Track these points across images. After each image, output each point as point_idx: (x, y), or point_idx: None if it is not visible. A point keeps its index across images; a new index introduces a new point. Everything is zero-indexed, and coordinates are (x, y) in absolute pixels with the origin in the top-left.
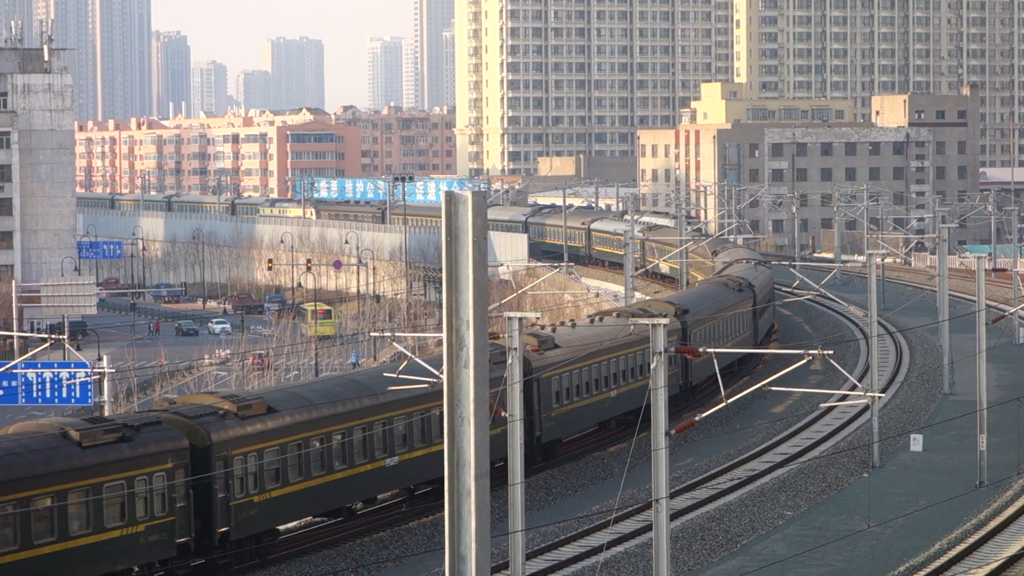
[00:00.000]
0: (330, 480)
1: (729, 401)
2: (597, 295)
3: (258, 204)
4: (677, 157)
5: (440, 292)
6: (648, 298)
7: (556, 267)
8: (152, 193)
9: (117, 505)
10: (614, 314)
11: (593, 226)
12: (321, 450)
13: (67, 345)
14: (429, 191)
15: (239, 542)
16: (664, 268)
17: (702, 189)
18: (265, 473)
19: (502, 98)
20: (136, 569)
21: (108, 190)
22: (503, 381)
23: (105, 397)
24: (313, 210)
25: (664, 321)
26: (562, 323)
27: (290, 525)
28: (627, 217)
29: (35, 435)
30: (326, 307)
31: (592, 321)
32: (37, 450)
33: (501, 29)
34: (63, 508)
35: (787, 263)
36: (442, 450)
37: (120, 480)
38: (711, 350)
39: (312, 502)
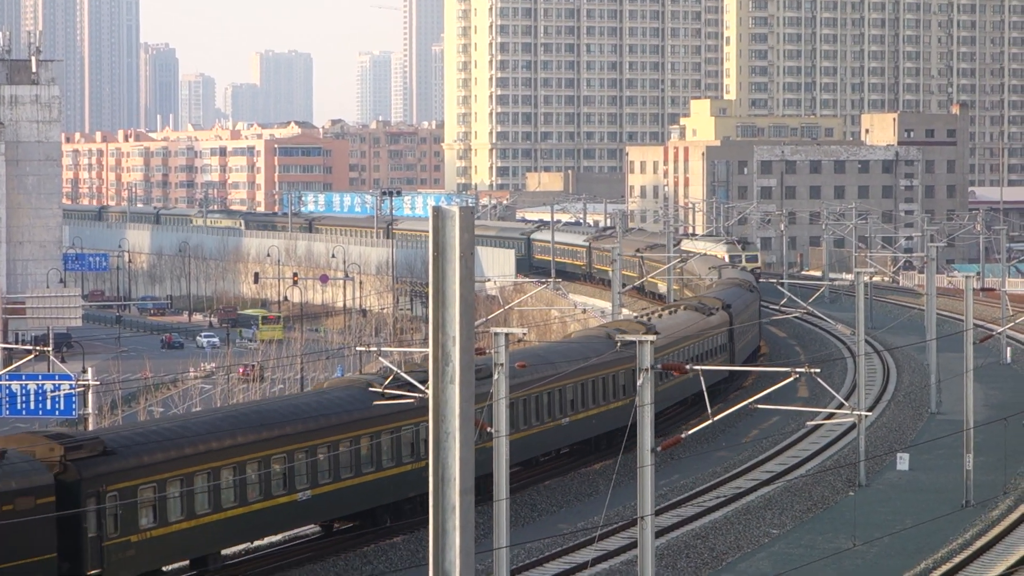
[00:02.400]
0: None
1: (715, 418)
2: (584, 311)
3: (188, 215)
4: (666, 174)
5: (427, 307)
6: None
7: (543, 283)
8: (139, 206)
9: None
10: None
11: (595, 244)
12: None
13: (52, 357)
14: (417, 206)
15: None
16: (662, 287)
17: (690, 206)
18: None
19: (491, 113)
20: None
21: (95, 202)
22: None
23: (90, 409)
24: (242, 221)
25: (651, 338)
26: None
27: (274, 539)
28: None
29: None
30: (275, 314)
31: None
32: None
33: (490, 44)
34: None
35: (775, 280)
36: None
37: None
38: (698, 367)
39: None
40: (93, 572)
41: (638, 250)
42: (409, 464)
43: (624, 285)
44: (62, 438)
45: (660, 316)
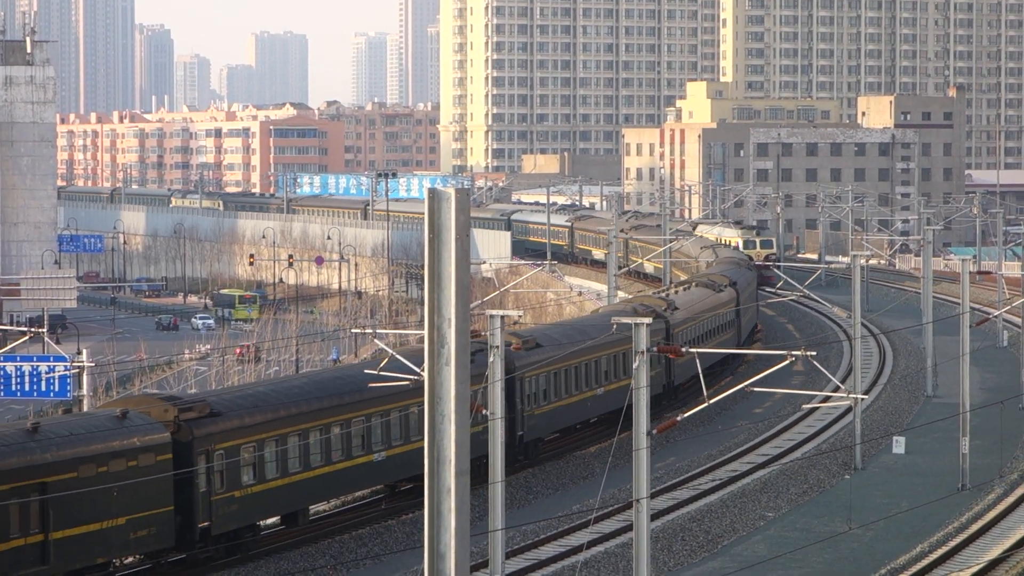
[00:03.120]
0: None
1: (711, 401)
2: (580, 294)
3: (165, 196)
4: (662, 156)
5: (422, 289)
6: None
7: (539, 265)
8: (134, 186)
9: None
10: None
11: (576, 224)
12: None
13: (46, 338)
14: (412, 188)
15: None
16: (648, 268)
17: (687, 188)
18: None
19: (487, 95)
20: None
21: (90, 183)
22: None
23: (84, 391)
24: (221, 202)
25: (647, 320)
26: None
27: (269, 522)
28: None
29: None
30: (251, 293)
31: None
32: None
33: (486, 26)
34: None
35: (771, 263)
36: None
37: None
38: (695, 350)
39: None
40: (203, 524)
41: (622, 230)
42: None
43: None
44: (175, 400)
45: (677, 292)
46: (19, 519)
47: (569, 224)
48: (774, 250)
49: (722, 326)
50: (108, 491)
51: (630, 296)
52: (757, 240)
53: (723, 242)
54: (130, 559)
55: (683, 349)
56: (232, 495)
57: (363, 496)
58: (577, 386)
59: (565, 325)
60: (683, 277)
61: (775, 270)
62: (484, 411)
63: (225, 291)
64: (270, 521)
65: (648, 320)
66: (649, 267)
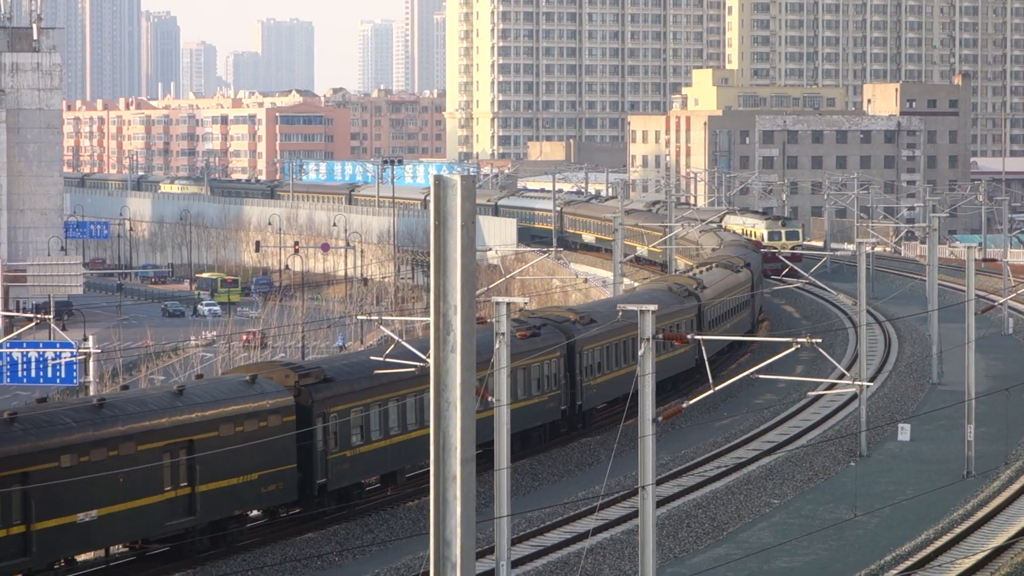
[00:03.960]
0: None
1: (716, 388)
2: (586, 280)
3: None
4: (667, 143)
5: (428, 276)
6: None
7: (544, 252)
8: (140, 173)
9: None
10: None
11: (565, 209)
12: None
13: (52, 325)
14: (418, 175)
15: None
16: (640, 250)
17: (692, 175)
18: None
19: (493, 82)
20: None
21: (96, 170)
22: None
23: (91, 377)
24: (208, 187)
25: (653, 308)
26: None
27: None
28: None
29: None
30: (233, 277)
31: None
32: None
33: (492, 13)
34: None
35: (775, 250)
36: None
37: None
38: (704, 337)
39: None
40: (320, 481)
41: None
42: (536, 398)
43: (602, 249)
44: (295, 366)
45: (702, 272)
46: (170, 474)
47: (559, 209)
48: (800, 241)
49: (741, 305)
50: (244, 449)
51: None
52: (783, 231)
53: (748, 232)
54: (256, 512)
55: (688, 336)
56: (344, 454)
57: (369, 483)
58: (626, 359)
59: (612, 302)
60: (682, 263)
61: (792, 264)
62: (490, 397)
63: (207, 275)
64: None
65: (654, 308)
66: (640, 248)
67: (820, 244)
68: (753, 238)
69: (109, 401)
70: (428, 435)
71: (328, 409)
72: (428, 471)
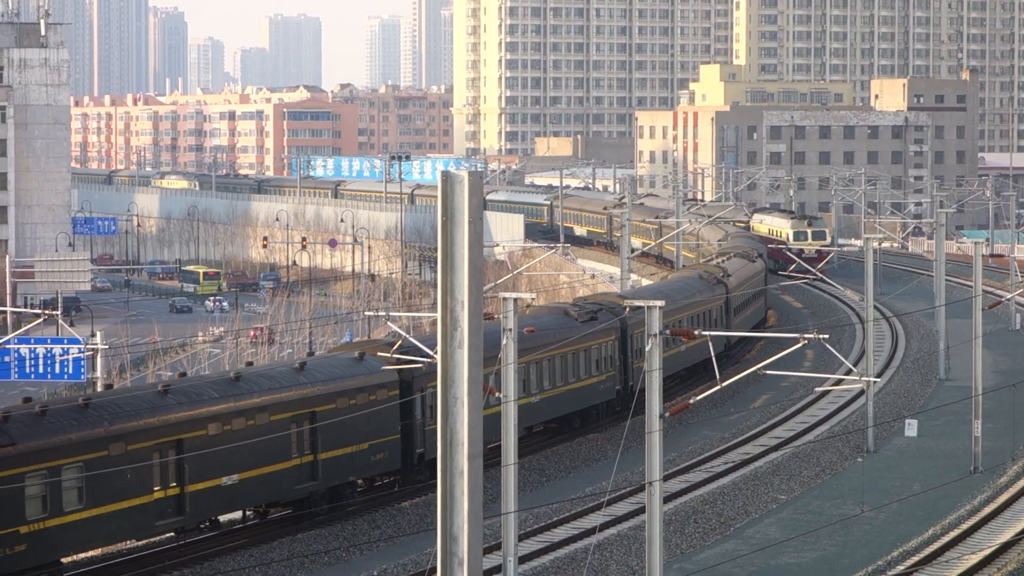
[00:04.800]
0: None
1: (723, 384)
2: (593, 276)
3: (146, 176)
4: (675, 139)
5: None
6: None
7: (552, 248)
8: (148, 169)
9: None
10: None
11: (556, 202)
12: None
13: (60, 321)
14: (426, 170)
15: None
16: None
17: (700, 171)
18: None
19: (500, 78)
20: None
21: (104, 166)
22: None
23: (98, 373)
24: (196, 182)
25: (660, 303)
26: None
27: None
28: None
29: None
30: (216, 270)
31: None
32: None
33: (500, 8)
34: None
35: (783, 246)
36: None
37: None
38: (707, 333)
39: None
40: (419, 450)
41: (605, 207)
42: (595, 378)
43: (595, 243)
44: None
45: (725, 261)
46: (296, 442)
47: (548, 203)
48: (827, 241)
49: (758, 293)
50: (357, 420)
51: (641, 276)
52: (808, 230)
53: (773, 232)
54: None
55: (696, 332)
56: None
57: (376, 479)
58: (672, 342)
59: (653, 289)
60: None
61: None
62: (496, 393)
63: (190, 267)
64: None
65: (661, 303)
66: (637, 243)
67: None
68: (779, 238)
69: (244, 376)
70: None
71: (426, 384)
72: (499, 445)
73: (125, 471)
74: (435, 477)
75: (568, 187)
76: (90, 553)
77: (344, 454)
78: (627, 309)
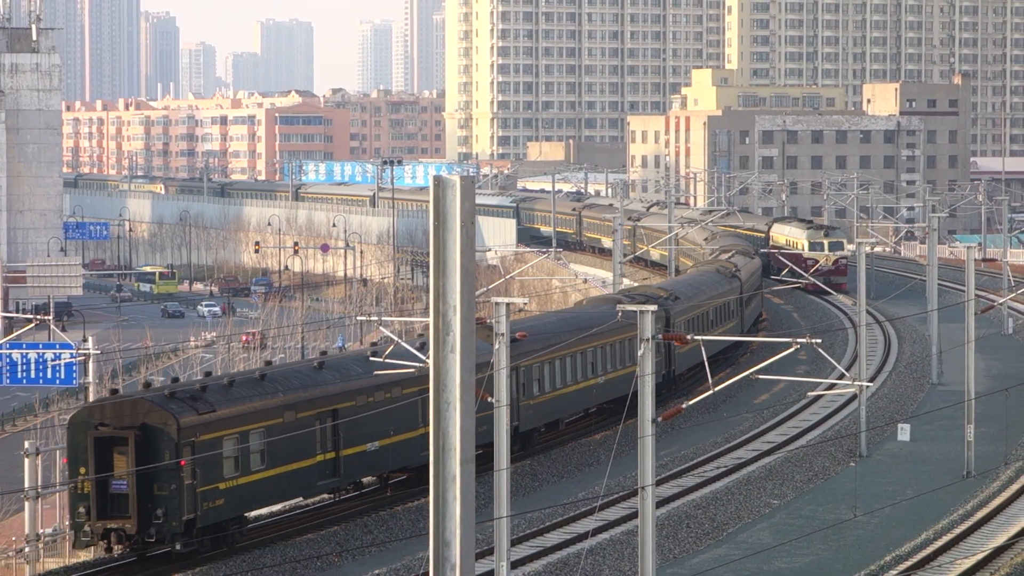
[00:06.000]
0: None
1: (716, 389)
2: (585, 281)
3: (113, 180)
4: (667, 143)
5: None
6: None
7: (544, 252)
8: (139, 174)
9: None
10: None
11: (521, 205)
12: None
13: (52, 326)
14: (418, 175)
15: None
16: (654, 255)
17: (692, 176)
18: None
19: (492, 82)
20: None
21: (96, 171)
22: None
23: (90, 378)
24: (163, 186)
25: (652, 308)
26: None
27: (274, 508)
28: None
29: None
30: (171, 270)
31: None
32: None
33: (492, 13)
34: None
35: (777, 251)
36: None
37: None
38: (699, 337)
39: None
40: (514, 424)
41: (574, 208)
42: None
43: (566, 241)
44: (491, 331)
45: (731, 257)
46: (421, 413)
47: (515, 205)
48: (845, 252)
49: (758, 288)
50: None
51: (634, 281)
52: (825, 241)
53: (790, 243)
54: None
55: (688, 336)
56: (529, 403)
57: (368, 483)
58: (703, 328)
59: (682, 282)
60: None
61: (827, 287)
62: (489, 398)
63: (146, 267)
64: (265, 511)
65: (653, 308)
66: (607, 241)
67: None
68: (795, 249)
69: (378, 354)
70: (577, 390)
71: (520, 363)
72: (583, 416)
73: (296, 436)
74: (528, 448)
75: (597, 194)
76: (85, 557)
77: None
78: (670, 299)
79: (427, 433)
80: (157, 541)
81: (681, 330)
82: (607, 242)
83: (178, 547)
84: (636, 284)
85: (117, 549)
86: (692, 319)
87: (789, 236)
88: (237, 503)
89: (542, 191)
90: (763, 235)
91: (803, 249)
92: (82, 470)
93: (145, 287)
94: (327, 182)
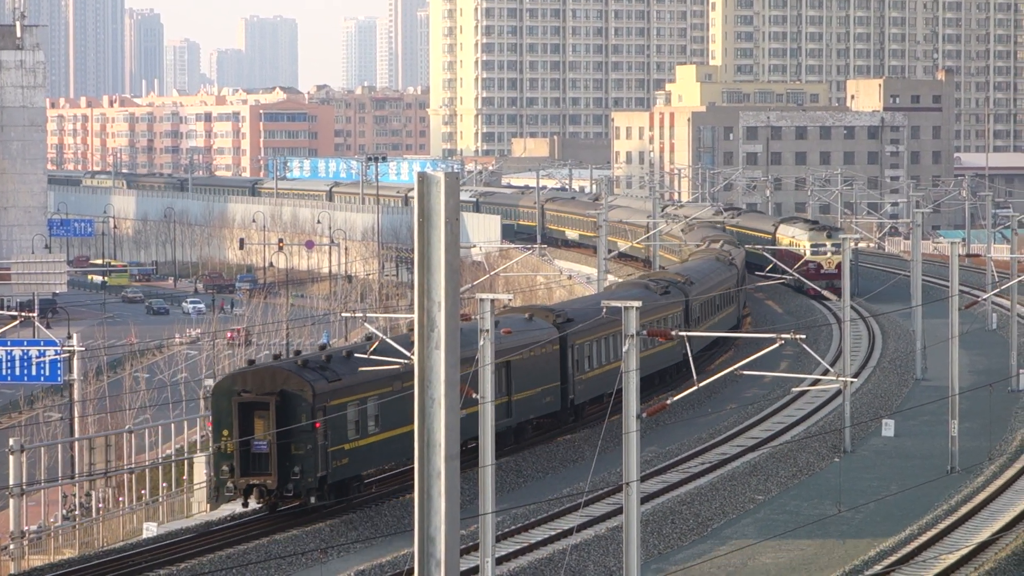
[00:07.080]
0: None
1: (700, 385)
2: (570, 277)
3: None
4: (651, 139)
5: (412, 273)
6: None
7: (528, 249)
8: (123, 171)
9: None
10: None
11: (481, 199)
12: None
13: (37, 323)
14: (402, 171)
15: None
16: (570, 235)
17: (676, 172)
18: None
19: (476, 79)
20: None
21: (80, 167)
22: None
23: (75, 375)
24: (124, 182)
25: (637, 304)
26: None
27: (257, 506)
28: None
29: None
30: (123, 264)
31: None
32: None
33: (476, 10)
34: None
35: (759, 247)
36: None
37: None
38: (684, 334)
39: None
40: (571, 396)
41: (535, 202)
42: (669, 344)
43: (523, 234)
44: (552, 309)
45: (723, 245)
46: (496, 384)
47: (475, 200)
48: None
49: (745, 275)
50: (536, 367)
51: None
52: (828, 243)
53: (793, 244)
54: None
55: (673, 333)
56: (582, 378)
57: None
58: (714, 312)
59: (692, 269)
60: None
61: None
62: (474, 394)
63: (97, 262)
64: (253, 507)
65: (638, 303)
66: (571, 234)
67: None
68: (797, 251)
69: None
70: (617, 367)
71: (575, 341)
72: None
73: (405, 402)
74: (582, 420)
75: (582, 191)
76: (70, 554)
77: (527, 396)
78: (687, 283)
79: (500, 404)
80: (294, 496)
81: (697, 313)
82: (571, 234)
83: (312, 501)
84: (640, 274)
85: (254, 503)
86: (705, 303)
87: (792, 237)
88: (359, 462)
89: (526, 187)
90: (770, 236)
91: (805, 251)
92: (225, 432)
93: (98, 279)
94: (311, 178)
